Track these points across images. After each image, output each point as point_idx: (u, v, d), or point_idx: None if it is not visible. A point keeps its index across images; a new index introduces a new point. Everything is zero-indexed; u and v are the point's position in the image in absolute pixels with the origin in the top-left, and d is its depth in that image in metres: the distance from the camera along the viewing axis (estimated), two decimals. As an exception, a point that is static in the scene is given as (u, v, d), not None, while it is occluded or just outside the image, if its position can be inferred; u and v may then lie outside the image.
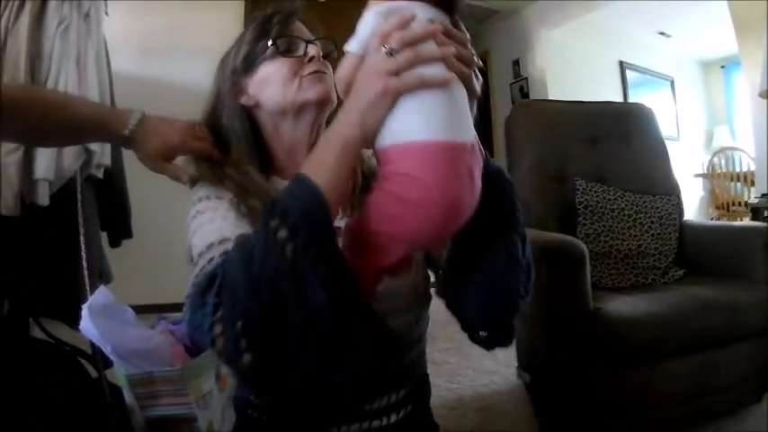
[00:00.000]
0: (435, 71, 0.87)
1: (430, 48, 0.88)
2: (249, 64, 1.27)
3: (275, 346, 0.80)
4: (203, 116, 1.36)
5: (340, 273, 0.83)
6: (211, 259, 0.98)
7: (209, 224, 1.07)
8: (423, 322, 1.31)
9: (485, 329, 1.13)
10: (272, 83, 1.24)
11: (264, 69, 1.25)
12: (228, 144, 1.29)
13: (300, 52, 1.25)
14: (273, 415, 1.19)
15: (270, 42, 1.24)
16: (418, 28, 0.89)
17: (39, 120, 1.43)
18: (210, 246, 1.01)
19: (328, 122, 1.29)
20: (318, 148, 0.93)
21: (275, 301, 0.78)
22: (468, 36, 0.96)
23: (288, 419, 1.09)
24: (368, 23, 0.94)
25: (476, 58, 0.96)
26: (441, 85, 0.87)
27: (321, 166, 0.88)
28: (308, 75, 1.22)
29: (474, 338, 1.16)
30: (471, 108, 0.95)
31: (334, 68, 1.06)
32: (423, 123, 0.86)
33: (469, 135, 0.91)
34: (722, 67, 9.68)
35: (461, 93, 0.91)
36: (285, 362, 0.82)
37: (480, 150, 0.98)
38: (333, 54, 1.32)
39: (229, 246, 0.94)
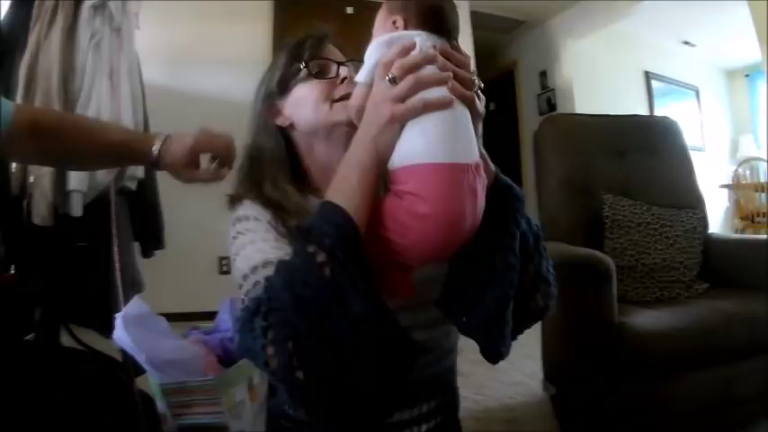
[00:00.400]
0: (437, 94, 0.93)
1: (430, 73, 0.95)
2: (284, 86, 1.30)
3: (324, 361, 0.84)
4: (248, 141, 1.38)
5: (372, 286, 0.89)
6: (257, 282, 1.00)
7: (251, 245, 1.10)
8: (454, 332, 1.33)
9: (476, 339, 1.13)
10: (304, 104, 1.26)
11: (298, 91, 1.28)
12: (267, 164, 1.30)
13: (332, 74, 1.27)
14: (308, 427, 1.20)
15: (302, 65, 1.27)
16: (417, 55, 0.96)
17: (72, 146, 1.47)
18: (255, 268, 1.03)
19: None
20: (339, 174, 0.98)
21: (320, 317, 0.83)
22: (469, 59, 1.03)
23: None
24: (372, 54, 1.03)
25: (477, 80, 1.03)
26: (442, 107, 0.93)
27: (345, 191, 0.95)
28: (339, 99, 1.24)
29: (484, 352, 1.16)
30: (476, 128, 1.01)
31: None
32: (426, 147, 0.93)
33: (472, 155, 0.97)
34: (746, 75, 9.56)
35: (464, 114, 0.97)
36: (334, 375, 0.85)
37: (488, 164, 1.08)
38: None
39: (273, 269, 0.96)
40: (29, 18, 2.53)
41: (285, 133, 1.32)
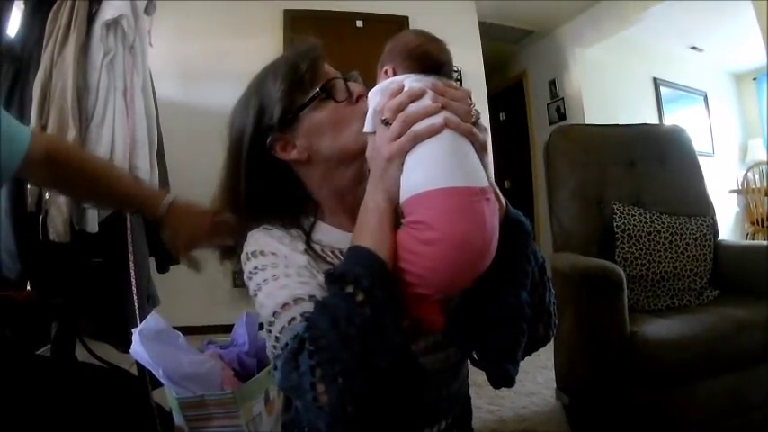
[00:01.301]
0: (428, 125, 1.00)
1: (418, 107, 1.02)
2: (291, 117, 1.19)
3: (372, 395, 0.88)
4: (223, 187, 1.31)
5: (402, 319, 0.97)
6: (292, 319, 0.99)
7: (274, 282, 1.07)
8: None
9: (486, 358, 1.15)
10: (328, 131, 1.19)
11: (314, 118, 1.19)
12: (266, 205, 1.25)
13: (346, 93, 1.21)
14: None
15: (319, 89, 1.18)
16: (403, 94, 1.04)
17: (84, 182, 1.51)
18: (286, 305, 1.02)
19: None
20: (359, 219, 1.06)
21: (365, 353, 0.87)
22: (465, 92, 1.09)
23: None
24: (371, 103, 1.10)
25: (475, 111, 1.07)
26: (432, 134, 0.99)
27: (369, 234, 1.01)
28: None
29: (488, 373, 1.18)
30: (481, 158, 1.05)
31: None
32: (425, 176, 0.98)
33: (475, 180, 1.00)
34: (754, 79, 9.53)
35: (461, 143, 1.02)
36: (378, 406, 0.90)
37: (499, 197, 1.09)
38: (360, 82, 1.28)
39: (306, 306, 0.99)
40: (42, 36, 2.54)
41: (284, 167, 1.24)
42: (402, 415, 0.98)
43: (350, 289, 0.92)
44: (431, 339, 1.18)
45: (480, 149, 1.05)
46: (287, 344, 0.94)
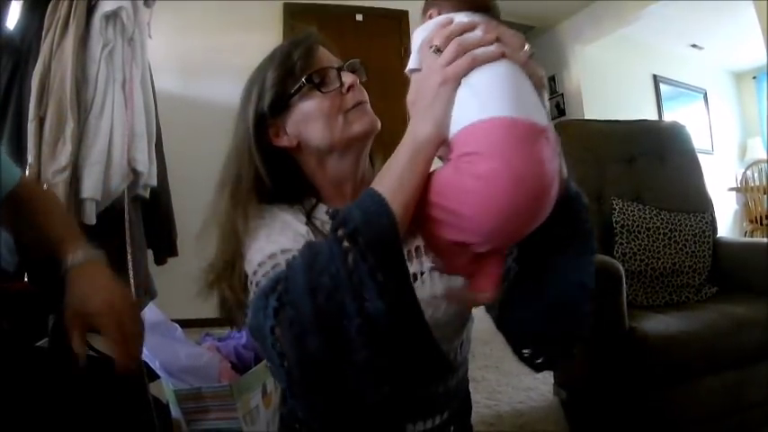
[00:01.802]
0: (485, 50, 0.89)
1: (473, 36, 0.91)
2: (282, 104, 1.19)
3: (322, 356, 0.80)
4: (227, 173, 1.24)
5: (401, 283, 0.84)
6: (276, 265, 0.98)
7: (266, 238, 1.07)
8: (466, 345, 1.32)
9: (539, 351, 1.11)
10: (314, 121, 1.18)
11: (303, 106, 1.19)
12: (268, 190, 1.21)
13: (336, 84, 1.19)
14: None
15: (304, 79, 1.17)
16: (455, 25, 0.93)
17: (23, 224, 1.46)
18: (273, 255, 1.01)
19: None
20: (391, 159, 0.93)
21: (331, 308, 0.79)
22: (518, 34, 0.96)
23: None
24: (416, 40, 1.00)
25: (528, 47, 0.95)
26: (492, 59, 0.89)
27: (391, 172, 0.90)
28: (353, 108, 1.18)
29: (522, 358, 1.14)
30: (541, 97, 0.93)
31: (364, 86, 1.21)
32: (481, 104, 0.86)
33: (536, 115, 0.87)
34: (754, 77, 9.56)
35: (521, 75, 0.91)
36: (336, 371, 0.82)
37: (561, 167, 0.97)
38: (360, 71, 1.27)
39: (293, 254, 0.93)
40: (41, 27, 2.54)
41: (283, 154, 1.23)
42: (381, 404, 0.89)
43: (340, 232, 0.81)
44: (447, 329, 1.15)
45: (539, 85, 0.93)
46: (264, 284, 0.89)
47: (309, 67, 1.18)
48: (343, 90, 1.18)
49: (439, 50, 0.91)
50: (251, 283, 1.04)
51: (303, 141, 1.20)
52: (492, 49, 0.89)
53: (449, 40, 0.91)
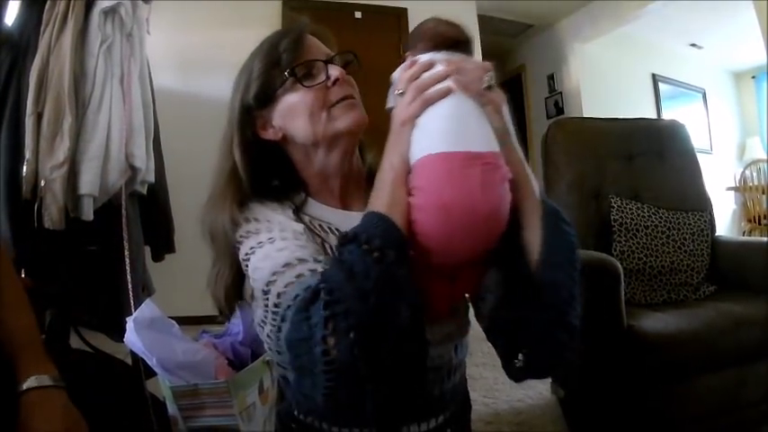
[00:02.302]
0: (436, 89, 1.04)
1: (428, 75, 1.06)
2: (267, 97, 1.20)
3: (383, 354, 0.88)
4: (219, 168, 1.26)
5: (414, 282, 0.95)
6: (300, 275, 0.99)
7: (270, 244, 1.08)
8: (463, 348, 1.32)
9: (527, 360, 1.09)
10: (298, 115, 1.18)
11: (287, 100, 1.19)
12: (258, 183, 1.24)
13: (322, 77, 1.18)
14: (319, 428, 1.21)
15: (287, 72, 1.17)
16: (416, 66, 1.08)
17: None
18: (288, 265, 1.02)
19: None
20: (377, 183, 1.04)
21: (382, 307, 0.87)
22: (480, 63, 1.13)
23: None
24: (393, 81, 1.16)
25: (488, 77, 1.08)
26: (441, 96, 1.03)
27: (382, 196, 1.01)
28: (338, 103, 1.18)
29: (508, 369, 1.13)
30: (493, 120, 1.06)
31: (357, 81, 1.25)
32: (425, 143, 1.01)
33: (472, 144, 1.01)
34: (753, 77, 9.56)
35: (469, 108, 1.04)
36: (388, 369, 0.90)
37: (526, 180, 1.09)
38: (353, 66, 1.29)
39: (311, 265, 1.01)
40: (39, 23, 2.53)
41: (272, 146, 1.25)
42: (401, 399, 1.03)
43: (365, 247, 0.90)
44: (433, 333, 1.13)
45: (493, 112, 1.06)
46: (297, 295, 0.93)
47: (296, 59, 1.18)
48: (329, 84, 1.18)
49: (402, 93, 1.07)
50: (263, 294, 1.04)
51: (288, 135, 1.21)
52: (442, 86, 1.03)
53: (408, 83, 1.06)
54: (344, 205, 1.27)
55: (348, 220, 1.16)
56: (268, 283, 1.02)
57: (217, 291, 1.24)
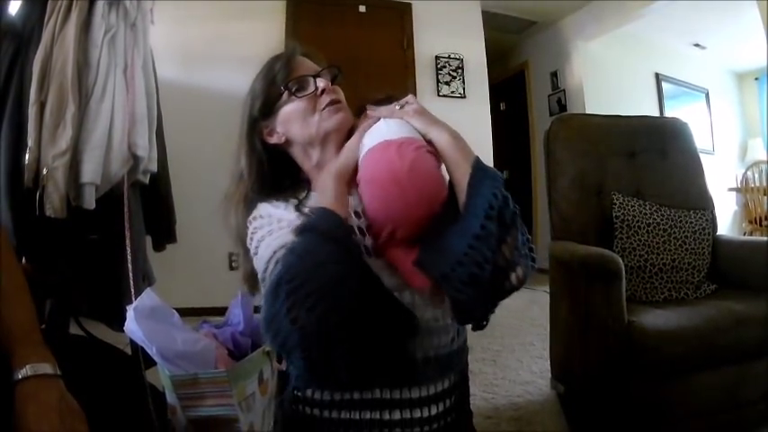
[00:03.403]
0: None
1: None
2: (269, 110, 1.46)
3: (338, 314, 1.03)
4: (235, 171, 1.52)
5: (358, 253, 1.21)
6: (278, 261, 1.17)
7: (269, 236, 1.27)
8: None
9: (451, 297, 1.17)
10: (295, 120, 1.44)
11: (285, 110, 1.45)
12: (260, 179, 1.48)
13: (311, 88, 1.44)
14: (324, 409, 1.34)
15: (282, 87, 1.43)
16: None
17: None
18: (275, 252, 1.21)
19: None
20: (320, 182, 1.31)
21: (333, 276, 1.05)
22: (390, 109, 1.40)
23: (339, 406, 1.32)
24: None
25: (399, 105, 1.40)
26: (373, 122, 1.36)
27: (326, 195, 1.24)
28: (326, 107, 1.43)
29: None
30: (413, 120, 1.34)
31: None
32: (364, 150, 1.30)
33: (393, 137, 1.27)
34: (756, 78, 9.54)
35: (390, 122, 1.34)
36: (347, 329, 1.04)
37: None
38: (339, 78, 1.54)
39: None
40: (43, 13, 2.53)
41: (280, 149, 1.50)
42: (383, 358, 1.16)
43: (310, 235, 1.11)
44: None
45: (411, 115, 1.34)
46: (272, 280, 1.08)
47: (288, 76, 1.45)
48: (318, 93, 1.44)
49: None
50: (262, 280, 1.25)
51: (290, 138, 1.47)
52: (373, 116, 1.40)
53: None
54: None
55: None
56: (265, 270, 1.22)
57: (242, 276, 1.48)
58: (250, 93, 1.50)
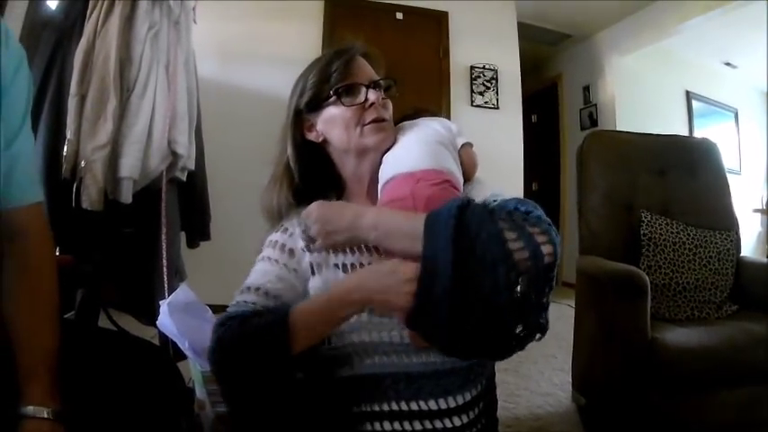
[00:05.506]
0: None
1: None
2: (315, 105, 1.45)
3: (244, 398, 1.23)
4: (277, 161, 1.54)
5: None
6: (239, 301, 1.30)
7: (260, 263, 1.39)
8: None
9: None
10: (336, 125, 1.43)
11: (330, 111, 1.44)
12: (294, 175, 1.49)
13: (361, 98, 1.42)
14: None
15: (332, 91, 1.41)
16: None
17: None
18: (246, 289, 1.33)
19: None
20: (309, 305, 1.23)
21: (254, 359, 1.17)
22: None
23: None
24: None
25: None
26: None
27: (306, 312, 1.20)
28: (370, 123, 1.41)
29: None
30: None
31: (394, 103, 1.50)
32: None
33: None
34: (787, 99, 9.46)
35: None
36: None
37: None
38: (392, 90, 1.52)
39: (249, 296, 1.30)
40: (85, 6, 2.56)
41: (317, 146, 1.49)
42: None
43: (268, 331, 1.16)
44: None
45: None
46: (223, 315, 1.25)
47: (344, 79, 1.42)
48: (366, 105, 1.42)
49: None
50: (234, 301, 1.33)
51: (327, 139, 1.47)
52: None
53: None
54: (372, 204, 1.44)
55: None
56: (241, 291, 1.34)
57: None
58: (301, 80, 1.49)
